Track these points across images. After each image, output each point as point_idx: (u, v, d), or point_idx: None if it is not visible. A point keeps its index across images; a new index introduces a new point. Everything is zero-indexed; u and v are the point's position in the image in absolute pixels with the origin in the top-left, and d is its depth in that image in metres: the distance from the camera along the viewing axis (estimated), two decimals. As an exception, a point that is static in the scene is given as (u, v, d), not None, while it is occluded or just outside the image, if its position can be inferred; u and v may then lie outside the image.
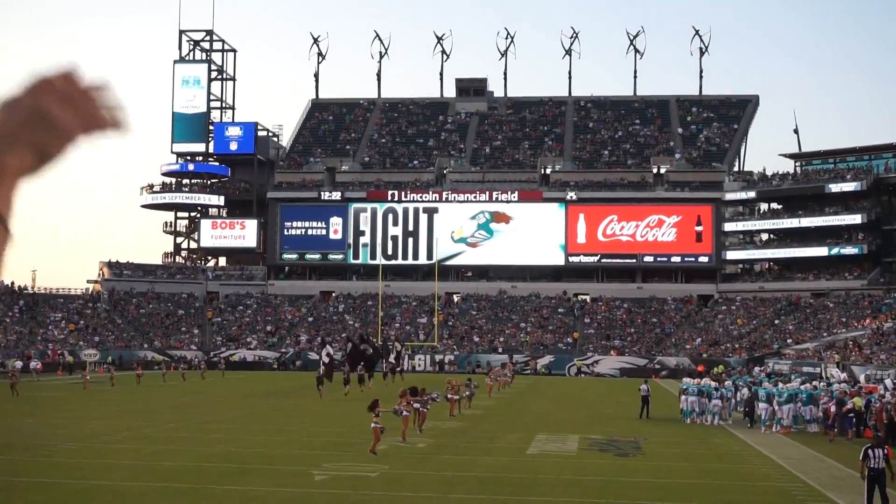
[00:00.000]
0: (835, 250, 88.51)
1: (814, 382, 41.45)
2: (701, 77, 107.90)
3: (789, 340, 78.49)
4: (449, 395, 38.67)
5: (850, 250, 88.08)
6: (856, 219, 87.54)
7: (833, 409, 33.34)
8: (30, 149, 1.83)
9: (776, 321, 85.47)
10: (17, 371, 53.40)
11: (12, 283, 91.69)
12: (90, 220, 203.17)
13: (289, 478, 22.08)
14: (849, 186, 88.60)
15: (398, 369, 62.90)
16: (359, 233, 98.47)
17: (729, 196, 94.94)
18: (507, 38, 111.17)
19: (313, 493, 20.05)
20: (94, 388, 52.67)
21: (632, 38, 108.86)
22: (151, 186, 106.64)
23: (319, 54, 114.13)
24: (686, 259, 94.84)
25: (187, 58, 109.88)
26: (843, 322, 78.47)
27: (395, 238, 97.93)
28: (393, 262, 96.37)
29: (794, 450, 29.13)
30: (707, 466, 25.41)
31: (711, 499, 20.37)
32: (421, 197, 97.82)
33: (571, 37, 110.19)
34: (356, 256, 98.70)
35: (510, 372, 63.86)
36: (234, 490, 20.36)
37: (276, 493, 20.00)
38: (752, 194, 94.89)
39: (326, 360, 53.22)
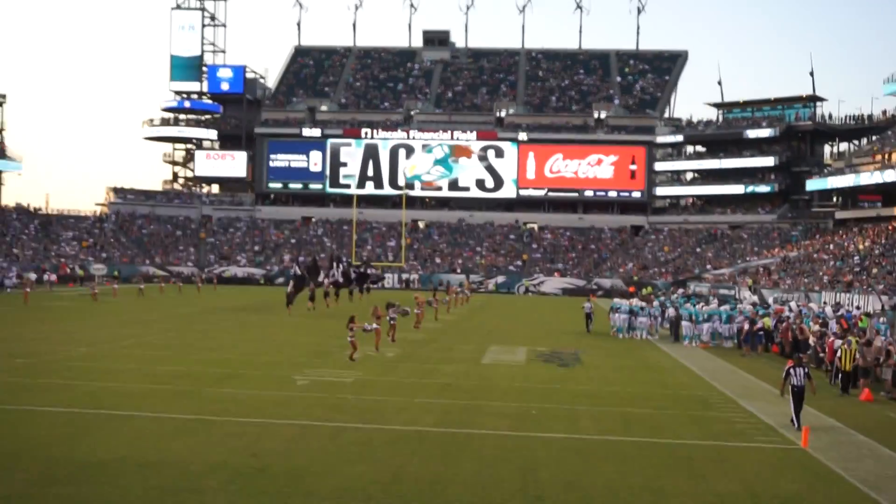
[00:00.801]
0: (750, 188, 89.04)
1: (730, 305, 41.84)
2: (638, 33, 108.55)
3: (709, 266, 79.11)
4: (417, 311, 38.70)
5: (763, 189, 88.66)
6: (769, 161, 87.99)
7: (746, 327, 33.67)
8: None
9: (698, 249, 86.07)
10: (31, 282, 52.83)
11: (28, 204, 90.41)
12: (98, 150, 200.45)
13: (274, 382, 22.02)
14: (764, 133, 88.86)
15: (365, 287, 61.19)
16: (336, 165, 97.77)
17: (660, 139, 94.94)
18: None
19: (295, 396, 20.01)
20: (100, 299, 52.24)
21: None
22: (152, 121, 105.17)
23: (302, 5, 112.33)
24: (621, 194, 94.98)
25: (183, 5, 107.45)
26: (756, 251, 79.16)
27: (367, 170, 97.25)
28: (366, 191, 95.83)
29: (711, 362, 29.41)
30: (636, 376, 25.59)
31: (640, 403, 20.50)
32: (391, 135, 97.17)
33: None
34: (334, 186, 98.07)
35: (468, 290, 63.91)
36: (225, 392, 20.28)
37: (263, 396, 19.94)
38: (679, 138, 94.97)
39: (341, 278, 53.15)
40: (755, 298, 52.00)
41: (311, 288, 49.10)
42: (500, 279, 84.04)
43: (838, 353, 24.00)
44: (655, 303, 42.12)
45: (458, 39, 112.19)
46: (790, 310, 37.09)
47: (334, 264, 54.45)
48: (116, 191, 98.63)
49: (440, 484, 12.73)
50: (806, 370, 17.95)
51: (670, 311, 38.95)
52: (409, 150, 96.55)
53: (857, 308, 41.61)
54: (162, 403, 18.56)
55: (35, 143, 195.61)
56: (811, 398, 17.89)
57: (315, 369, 24.34)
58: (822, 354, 27.36)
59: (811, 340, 29.28)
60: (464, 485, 12.72)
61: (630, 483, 13.12)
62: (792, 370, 17.78)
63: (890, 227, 66.48)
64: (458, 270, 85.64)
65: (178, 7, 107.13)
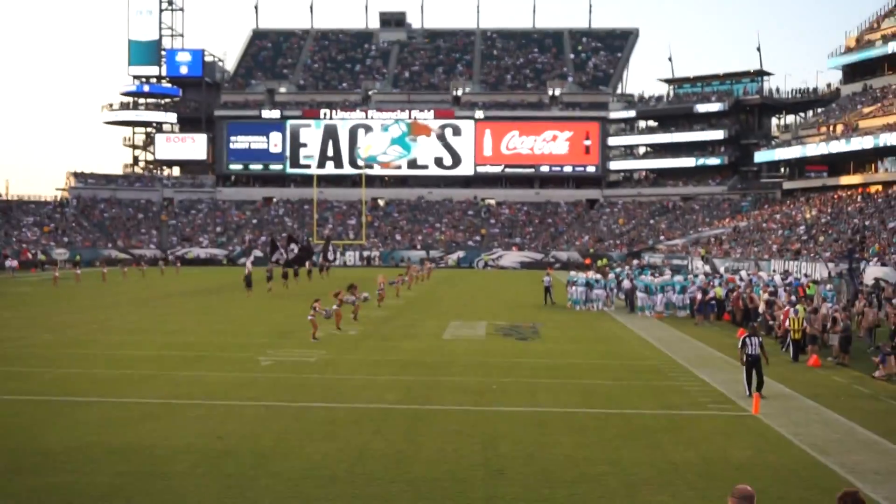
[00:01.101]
0: (701, 161, 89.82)
1: (682, 275, 42.22)
2: (590, 12, 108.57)
3: (662, 237, 79.79)
4: (379, 290, 38.50)
5: (713, 161, 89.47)
6: (718, 135, 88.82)
7: (699, 297, 34.04)
8: None
9: (651, 221, 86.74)
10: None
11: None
12: (58, 135, 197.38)
13: (238, 364, 21.88)
14: (713, 107, 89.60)
15: (326, 266, 60.97)
16: (296, 146, 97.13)
17: (613, 115, 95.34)
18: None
19: (260, 377, 19.91)
20: (63, 284, 51.54)
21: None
22: (111, 105, 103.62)
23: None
24: (576, 169, 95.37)
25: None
26: (707, 222, 79.98)
27: (327, 151, 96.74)
28: (326, 171, 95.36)
29: (665, 332, 29.69)
30: (594, 348, 25.78)
31: (598, 375, 20.67)
32: (349, 115, 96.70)
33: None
34: (294, 166, 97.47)
35: (427, 269, 63.72)
36: (191, 375, 20.13)
37: (228, 377, 19.81)
38: (632, 114, 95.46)
39: (292, 255, 52.85)
40: (707, 268, 52.53)
41: (269, 268, 48.61)
42: (460, 254, 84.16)
43: (788, 322, 24.31)
44: (611, 275, 42.40)
45: (414, 20, 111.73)
46: (741, 279, 37.56)
47: (290, 243, 54.00)
48: (77, 175, 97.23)
49: (404, 461, 12.76)
50: (759, 339, 17.98)
51: (626, 283, 39.26)
52: (368, 130, 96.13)
53: (806, 276, 42.24)
54: (127, 388, 18.38)
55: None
56: (766, 367, 17.99)
57: (279, 350, 24.24)
58: (771, 322, 27.74)
59: (761, 309, 29.65)
60: (427, 461, 12.75)
61: (588, 454, 13.23)
62: (747, 339, 17.82)
63: (836, 196, 67.42)
64: (419, 247, 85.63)
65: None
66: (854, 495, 6.57)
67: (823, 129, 72.64)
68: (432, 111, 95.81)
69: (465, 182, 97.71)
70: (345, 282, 35.51)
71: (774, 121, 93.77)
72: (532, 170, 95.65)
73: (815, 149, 70.45)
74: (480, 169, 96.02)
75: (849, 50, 76.48)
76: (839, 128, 69.94)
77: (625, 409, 16.71)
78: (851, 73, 77.56)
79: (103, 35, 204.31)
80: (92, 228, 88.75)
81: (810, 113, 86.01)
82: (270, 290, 45.15)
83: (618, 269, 46.82)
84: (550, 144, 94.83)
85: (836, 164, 71.14)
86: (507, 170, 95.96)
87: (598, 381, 19.91)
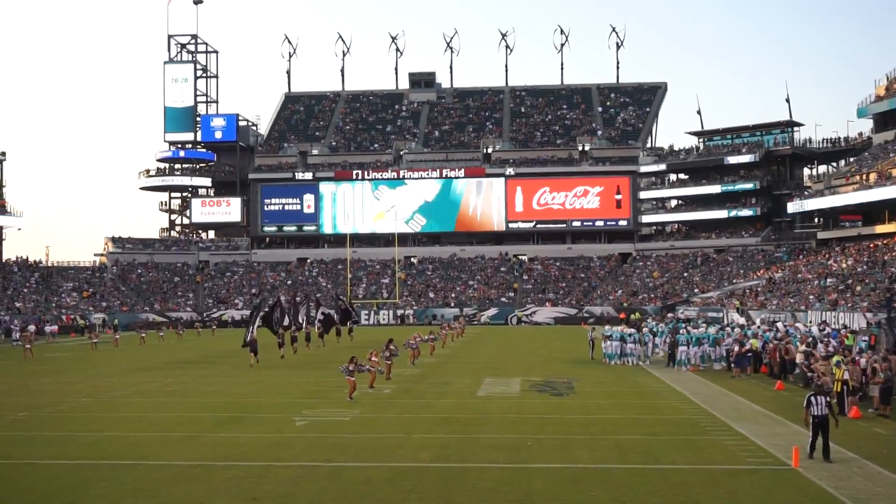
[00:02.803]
0: (733, 213, 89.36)
1: (719, 326, 41.83)
2: (618, 67, 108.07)
3: (696, 290, 79.17)
4: (413, 345, 38.45)
5: (745, 212, 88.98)
6: (750, 186, 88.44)
7: (736, 349, 33.66)
8: None
9: (685, 274, 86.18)
10: (31, 335, 52.53)
11: (27, 257, 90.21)
12: (96, 202, 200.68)
13: (273, 424, 21.89)
14: (744, 158, 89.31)
15: (349, 326, 57.41)
16: (329, 207, 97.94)
17: (643, 169, 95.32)
18: (452, 36, 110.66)
19: (295, 438, 19.90)
20: (102, 348, 51.93)
21: (559, 33, 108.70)
22: (148, 171, 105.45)
23: (291, 53, 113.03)
24: (608, 223, 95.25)
25: (175, 59, 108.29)
26: (742, 273, 79.27)
27: (359, 210, 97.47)
28: (358, 231, 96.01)
29: (702, 386, 29.35)
30: (629, 402, 25.55)
31: (634, 430, 20.45)
32: (381, 175, 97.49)
33: (507, 34, 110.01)
34: (327, 227, 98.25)
35: (461, 325, 63.60)
36: (225, 437, 20.14)
37: (263, 438, 19.82)
38: (662, 167, 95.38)
39: (322, 317, 52.64)
40: (743, 320, 52.00)
41: (281, 333, 44.20)
42: (493, 311, 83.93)
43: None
44: (645, 328, 42.09)
45: (443, 80, 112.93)
46: (777, 330, 37.14)
47: (311, 306, 53.89)
48: (115, 240, 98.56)
49: (439, 520, 12.65)
50: (827, 399, 17.00)
51: (667, 337, 38.80)
52: (400, 190, 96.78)
53: (845, 326, 41.64)
54: (163, 451, 18.44)
55: (34, 197, 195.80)
56: (834, 429, 17.14)
57: (314, 409, 24.23)
58: (809, 374, 27.33)
59: (798, 360, 29.26)
60: (462, 520, 12.64)
61: (625, 511, 13.05)
62: (813, 399, 16.87)
63: (871, 246, 66.69)
64: (452, 304, 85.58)
65: (171, 61, 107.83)
66: None
67: (856, 178, 72.13)
68: (463, 169, 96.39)
69: (497, 239, 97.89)
70: (371, 343, 35.48)
71: (806, 171, 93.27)
72: (564, 225, 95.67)
73: (848, 198, 69.89)
74: (512, 225, 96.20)
75: (879, 98, 76.19)
76: (872, 176, 69.42)
77: (662, 465, 16.49)
78: (883, 121, 77.17)
79: (140, 102, 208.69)
80: (129, 292, 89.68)
81: (842, 162, 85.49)
82: (282, 357, 42.19)
83: (652, 323, 46.46)
84: (581, 199, 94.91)
85: (871, 212, 70.48)
86: (539, 225, 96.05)
87: (634, 436, 19.69)
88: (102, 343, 54.55)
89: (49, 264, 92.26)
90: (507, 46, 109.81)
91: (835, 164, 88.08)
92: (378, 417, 22.81)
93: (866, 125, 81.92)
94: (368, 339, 50.59)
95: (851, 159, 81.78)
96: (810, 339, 32.11)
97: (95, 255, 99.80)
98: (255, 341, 39.30)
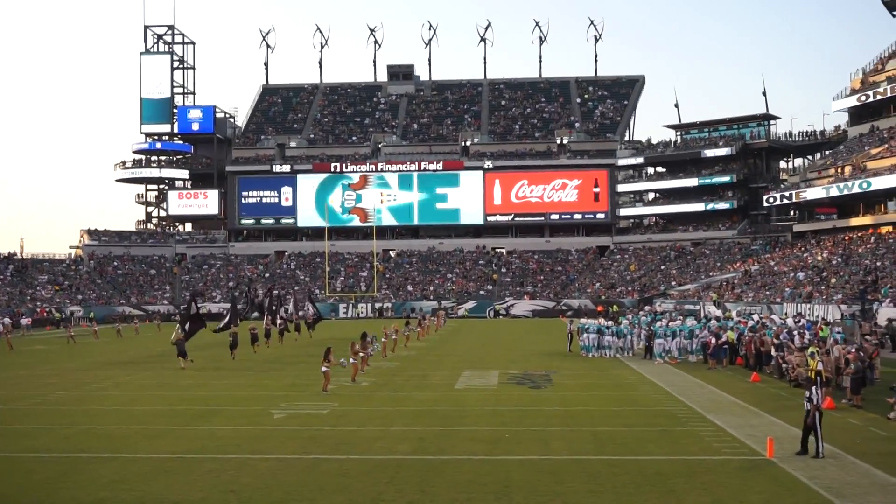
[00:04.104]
0: (710, 206, 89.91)
1: (696, 319, 42.08)
2: (596, 60, 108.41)
3: (673, 283, 79.62)
4: (383, 339, 38.52)
5: (722, 205, 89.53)
6: (727, 179, 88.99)
7: (712, 341, 33.90)
8: None
9: (662, 267, 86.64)
10: (8, 327, 52.18)
11: (2, 250, 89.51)
12: (71, 194, 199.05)
13: (251, 417, 21.87)
14: (721, 152, 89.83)
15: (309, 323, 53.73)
16: (307, 200, 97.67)
17: (621, 162, 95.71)
18: (430, 29, 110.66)
19: (273, 430, 19.90)
20: (79, 341, 51.56)
21: (538, 27, 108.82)
22: (124, 163, 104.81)
23: (268, 45, 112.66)
24: (586, 216, 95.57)
25: (152, 50, 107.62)
26: (718, 266, 79.82)
27: (337, 204, 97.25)
28: (336, 224, 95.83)
29: (679, 378, 29.55)
30: (607, 394, 25.70)
31: (611, 422, 20.58)
32: (359, 168, 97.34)
33: (486, 27, 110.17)
34: (305, 220, 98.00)
35: (443, 319, 63.80)
36: (203, 430, 20.12)
37: (241, 431, 19.82)
38: (640, 160, 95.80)
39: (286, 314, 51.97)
40: (719, 313, 52.37)
41: (252, 329, 43.68)
42: (471, 304, 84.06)
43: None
44: (623, 321, 42.28)
45: (422, 73, 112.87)
46: (753, 323, 37.41)
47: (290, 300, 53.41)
48: (90, 233, 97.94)
49: (417, 511, 12.71)
50: (821, 390, 16.68)
51: (643, 330, 39.06)
52: (377, 182, 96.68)
53: (823, 319, 42.00)
54: (140, 444, 18.40)
55: (8, 188, 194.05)
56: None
57: (291, 402, 24.23)
58: (784, 366, 27.60)
59: (772, 352, 29.53)
60: (440, 511, 12.71)
61: (602, 501, 13.17)
62: (812, 391, 16.49)
63: (846, 238, 67.33)
64: (431, 297, 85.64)
65: (147, 52, 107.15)
66: None
67: (832, 172, 72.76)
68: (441, 162, 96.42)
69: (475, 232, 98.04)
70: (331, 339, 35.43)
71: (783, 164, 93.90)
72: (542, 218, 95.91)
73: (823, 191, 70.52)
74: (491, 218, 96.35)
75: (854, 91, 76.83)
76: (847, 169, 70.06)
77: (638, 456, 16.63)
78: (858, 114, 77.88)
79: (115, 94, 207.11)
80: (106, 285, 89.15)
81: (818, 155, 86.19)
82: (255, 353, 41.66)
83: (630, 316, 46.68)
84: (559, 192, 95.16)
85: (846, 205, 71.17)
86: (518, 219, 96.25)
87: (611, 427, 19.82)
88: (80, 335, 54.17)
89: (24, 256, 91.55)
90: (486, 39, 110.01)
91: (810, 157, 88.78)
92: (356, 410, 22.83)
93: (842, 118, 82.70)
94: (334, 334, 50.53)
95: (827, 152, 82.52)
96: (785, 331, 32.39)
97: (71, 247, 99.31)
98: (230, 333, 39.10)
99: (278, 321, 48.53)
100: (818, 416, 16.25)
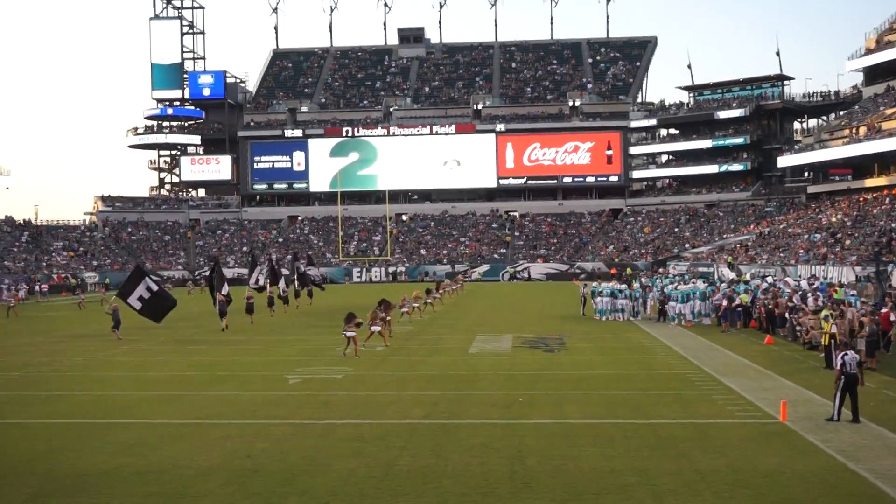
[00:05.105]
0: (724, 167, 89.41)
1: (708, 281, 41.96)
2: (608, 22, 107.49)
3: (687, 245, 79.42)
4: (403, 310, 38.37)
5: (736, 167, 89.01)
6: (740, 140, 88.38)
7: (724, 304, 33.83)
8: None
9: (676, 229, 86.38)
10: (18, 295, 52.74)
11: (16, 217, 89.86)
12: (84, 160, 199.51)
13: (266, 382, 21.99)
14: (734, 113, 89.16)
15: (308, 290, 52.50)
16: (319, 164, 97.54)
17: (634, 124, 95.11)
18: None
19: (288, 396, 20.00)
20: (92, 307, 51.69)
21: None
22: (136, 129, 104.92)
23: (277, 9, 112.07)
24: (599, 179, 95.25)
25: (161, 14, 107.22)
26: (732, 228, 79.49)
27: (349, 167, 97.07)
28: (349, 188, 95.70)
29: (692, 341, 29.53)
30: (620, 358, 25.71)
31: (624, 385, 20.59)
32: (371, 132, 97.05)
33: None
34: (317, 185, 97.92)
35: (461, 283, 63.83)
36: (217, 395, 20.24)
37: (256, 396, 19.92)
38: (653, 122, 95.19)
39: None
40: (733, 275, 52.21)
41: (269, 292, 44.31)
42: (485, 267, 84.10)
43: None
44: (636, 285, 42.24)
45: (432, 36, 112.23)
46: (767, 285, 37.31)
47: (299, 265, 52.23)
48: (104, 199, 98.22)
49: (431, 476, 12.77)
50: (856, 356, 16.32)
51: (656, 292, 39.03)
52: (389, 145, 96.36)
53: (839, 282, 41.81)
54: (156, 409, 18.52)
55: (22, 156, 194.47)
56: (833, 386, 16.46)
57: (306, 368, 24.33)
58: (798, 329, 27.53)
59: (786, 315, 29.45)
60: (454, 476, 12.76)
61: (615, 466, 13.19)
62: (845, 357, 16.08)
63: (861, 199, 66.86)
64: (444, 261, 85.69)
65: (157, 17, 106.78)
66: None
67: (846, 132, 72.08)
68: (453, 126, 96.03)
69: (488, 195, 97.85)
70: (329, 308, 35.37)
71: (797, 125, 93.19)
72: (555, 181, 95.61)
73: (838, 152, 69.92)
74: (503, 182, 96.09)
75: (869, 51, 75.90)
76: (862, 130, 69.38)
77: (652, 420, 16.64)
78: (872, 74, 76.97)
79: (126, 60, 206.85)
80: (120, 251, 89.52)
81: (832, 116, 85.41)
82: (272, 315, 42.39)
83: (644, 279, 46.59)
84: (572, 155, 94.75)
85: (861, 166, 70.58)
86: (530, 182, 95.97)
87: (624, 391, 19.84)
88: (93, 301, 54.31)
89: (38, 223, 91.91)
90: (496, 1, 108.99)
91: (825, 118, 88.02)
92: (370, 375, 22.92)
93: (856, 79, 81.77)
94: (339, 302, 50.66)
95: (841, 113, 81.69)
96: (798, 293, 32.28)
97: (85, 213, 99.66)
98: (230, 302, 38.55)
99: (268, 288, 45.79)
100: (844, 381, 16.00)
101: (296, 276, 51.84)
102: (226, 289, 39.31)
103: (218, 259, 47.88)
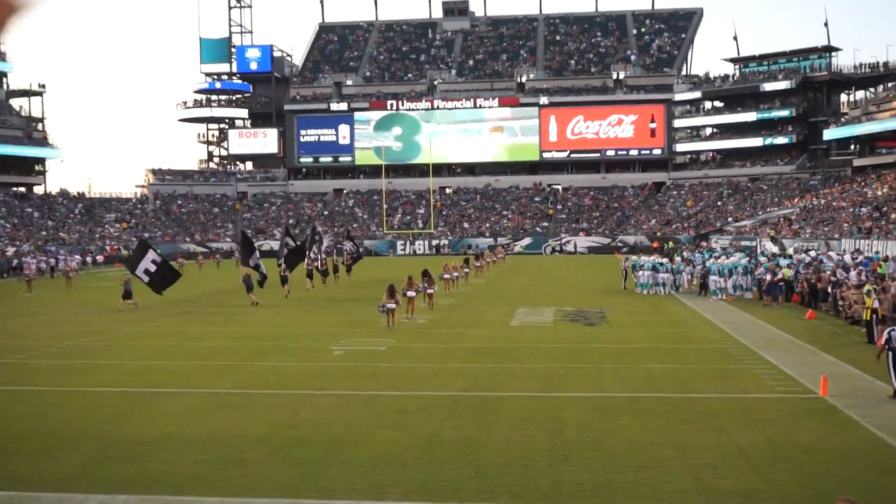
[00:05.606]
0: (768, 140, 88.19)
1: (748, 255, 41.58)
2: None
3: (730, 219, 78.59)
4: (445, 276, 38.86)
5: (781, 140, 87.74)
6: (786, 113, 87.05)
7: (767, 278, 33.53)
8: None
9: (719, 203, 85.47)
10: (73, 266, 53.76)
11: (71, 189, 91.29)
12: (135, 134, 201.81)
13: (311, 353, 22.26)
14: (780, 85, 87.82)
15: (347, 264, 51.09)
16: (364, 137, 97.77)
17: (678, 97, 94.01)
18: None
19: (333, 367, 20.23)
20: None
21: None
22: (185, 103, 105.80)
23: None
24: (642, 152, 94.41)
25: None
26: (776, 202, 78.51)
27: (393, 140, 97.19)
28: (394, 161, 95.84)
29: (733, 315, 29.32)
30: (660, 332, 25.61)
31: (664, 359, 20.55)
32: (415, 105, 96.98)
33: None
34: (362, 158, 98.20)
35: (502, 253, 64.17)
36: (265, 366, 20.52)
37: (302, 367, 20.18)
38: (697, 94, 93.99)
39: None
40: (776, 249, 51.65)
41: (309, 265, 44.21)
42: (527, 241, 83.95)
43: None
44: (678, 259, 41.98)
45: (477, 8, 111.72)
46: (810, 259, 36.91)
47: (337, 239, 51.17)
48: (155, 172, 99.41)
49: (472, 447, 12.88)
50: (878, 328, 16.35)
51: (698, 267, 38.79)
52: (434, 119, 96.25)
53: (877, 254, 41.26)
54: (206, 379, 18.85)
55: (75, 130, 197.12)
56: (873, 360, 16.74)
57: (350, 339, 24.56)
58: (841, 303, 27.23)
59: (829, 289, 29.13)
60: (495, 447, 12.86)
61: (654, 439, 13.21)
62: (892, 332, 15.91)
63: (908, 173, 65.66)
64: (487, 234, 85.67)
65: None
66: None
67: (894, 104, 70.69)
68: (497, 99, 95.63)
69: (531, 168, 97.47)
70: (368, 280, 35.55)
71: (844, 97, 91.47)
72: (598, 154, 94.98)
73: (885, 124, 68.65)
74: (546, 155, 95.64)
75: (919, 23, 74.18)
76: (910, 103, 68.03)
77: (691, 394, 16.61)
78: (923, 46, 75.27)
79: (176, 34, 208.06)
80: (170, 223, 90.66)
81: (880, 88, 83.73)
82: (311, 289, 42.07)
83: (686, 253, 46.27)
84: (616, 128, 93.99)
85: (909, 139, 69.27)
86: (573, 155, 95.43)
87: (664, 365, 19.79)
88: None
89: (91, 196, 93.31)
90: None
91: (872, 89, 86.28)
92: (413, 347, 23.09)
93: (906, 50, 79.95)
94: (379, 275, 50.82)
95: (890, 84, 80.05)
96: (841, 267, 31.89)
97: (136, 186, 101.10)
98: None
99: (307, 261, 45.34)
100: (892, 357, 15.77)
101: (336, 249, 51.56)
102: (255, 260, 39.41)
103: (245, 232, 47.66)
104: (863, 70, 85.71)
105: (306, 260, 44.66)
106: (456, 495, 10.78)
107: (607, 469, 11.69)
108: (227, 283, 49.16)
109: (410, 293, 29.15)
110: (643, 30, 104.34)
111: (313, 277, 43.77)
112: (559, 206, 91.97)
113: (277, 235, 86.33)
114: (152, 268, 35.76)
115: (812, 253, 41.70)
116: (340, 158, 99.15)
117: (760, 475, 11.34)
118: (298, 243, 45.90)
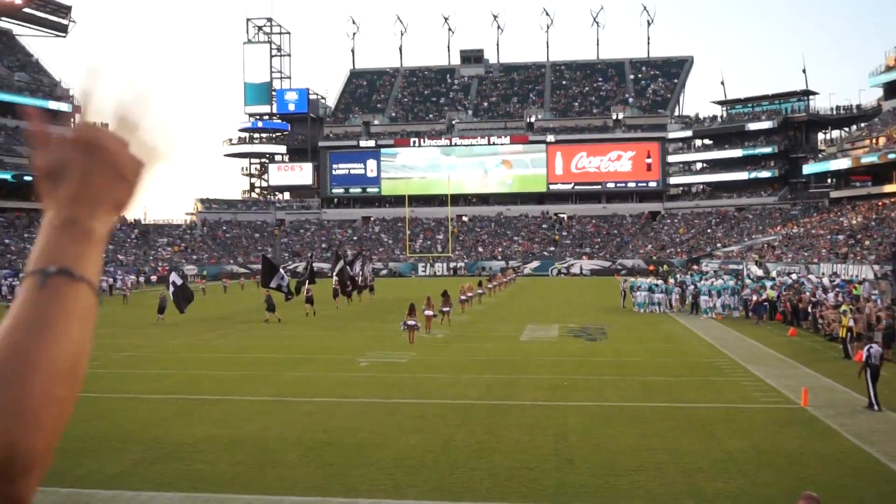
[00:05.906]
0: (753, 174, 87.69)
1: (735, 278, 41.28)
2: (648, 42, 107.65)
3: (719, 245, 78.09)
4: (461, 298, 38.66)
5: (764, 174, 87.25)
6: (769, 150, 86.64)
7: (754, 298, 33.26)
8: (112, 207, 1.25)
9: (709, 230, 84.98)
10: (129, 284, 53.90)
11: (126, 217, 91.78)
12: (187, 167, 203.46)
13: (340, 364, 22.20)
14: (764, 125, 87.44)
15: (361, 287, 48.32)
16: (390, 170, 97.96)
17: (671, 135, 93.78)
18: (497, 15, 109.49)
19: (359, 377, 20.16)
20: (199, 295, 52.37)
21: (594, 14, 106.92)
22: (231, 140, 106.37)
23: (355, 34, 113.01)
24: (639, 184, 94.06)
25: (253, 40, 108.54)
26: (760, 230, 77.95)
27: (415, 173, 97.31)
28: (416, 192, 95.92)
29: (722, 332, 29.08)
30: (656, 347, 25.41)
31: (659, 372, 20.38)
32: (436, 143, 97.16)
33: (549, 17, 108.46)
34: (388, 189, 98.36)
35: (513, 275, 63.91)
36: (300, 375, 20.49)
37: (331, 377, 20.11)
38: (689, 133, 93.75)
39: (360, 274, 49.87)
40: (761, 272, 51.25)
41: (337, 285, 43.05)
42: (535, 263, 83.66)
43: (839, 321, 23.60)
44: (671, 281, 41.73)
45: (491, 56, 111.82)
46: (791, 281, 36.61)
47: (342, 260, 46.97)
48: (203, 201, 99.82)
49: (485, 451, 12.78)
50: (880, 349, 15.99)
51: (690, 288, 38.52)
52: (452, 155, 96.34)
53: (858, 279, 40.83)
54: (245, 387, 18.81)
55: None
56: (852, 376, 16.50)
57: (375, 352, 24.49)
58: (820, 322, 26.96)
59: (809, 309, 28.85)
60: (505, 451, 12.76)
61: (650, 445, 13.06)
62: (870, 349, 15.89)
63: (880, 204, 65.17)
64: (499, 257, 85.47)
65: (250, 42, 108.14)
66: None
67: (867, 142, 70.28)
68: (508, 137, 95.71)
69: (539, 199, 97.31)
70: (389, 301, 35.24)
71: (821, 135, 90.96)
72: (599, 186, 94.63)
73: (859, 160, 68.16)
74: (553, 187, 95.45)
75: (889, 68, 73.81)
76: (881, 140, 67.60)
77: (684, 403, 16.45)
78: (892, 89, 74.83)
79: (223, 79, 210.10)
80: (216, 247, 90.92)
81: (854, 127, 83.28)
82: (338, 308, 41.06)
83: (679, 276, 45.98)
84: (615, 163, 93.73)
85: (880, 173, 68.61)
86: (577, 187, 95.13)
87: (659, 377, 19.62)
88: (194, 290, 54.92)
89: (147, 222, 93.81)
90: (549, 25, 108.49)
91: (847, 129, 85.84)
92: (432, 359, 22.99)
93: (877, 94, 79.61)
94: (400, 294, 50.76)
95: (863, 125, 79.65)
96: (820, 289, 31.62)
97: (186, 213, 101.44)
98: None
99: (334, 280, 43.97)
100: (870, 371, 15.49)
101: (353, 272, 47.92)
102: (276, 282, 38.20)
103: (265, 256, 46.63)
104: (838, 112, 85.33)
105: (354, 279, 43.48)
106: (469, 495, 10.67)
107: (607, 472, 11.56)
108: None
109: (428, 312, 29.11)
110: (640, 75, 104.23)
111: (338, 296, 42.83)
112: (564, 233, 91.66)
113: (310, 257, 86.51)
114: (172, 287, 35.43)
115: (793, 276, 41.36)
116: (368, 189, 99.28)
117: (747, 479, 11.19)
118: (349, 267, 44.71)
